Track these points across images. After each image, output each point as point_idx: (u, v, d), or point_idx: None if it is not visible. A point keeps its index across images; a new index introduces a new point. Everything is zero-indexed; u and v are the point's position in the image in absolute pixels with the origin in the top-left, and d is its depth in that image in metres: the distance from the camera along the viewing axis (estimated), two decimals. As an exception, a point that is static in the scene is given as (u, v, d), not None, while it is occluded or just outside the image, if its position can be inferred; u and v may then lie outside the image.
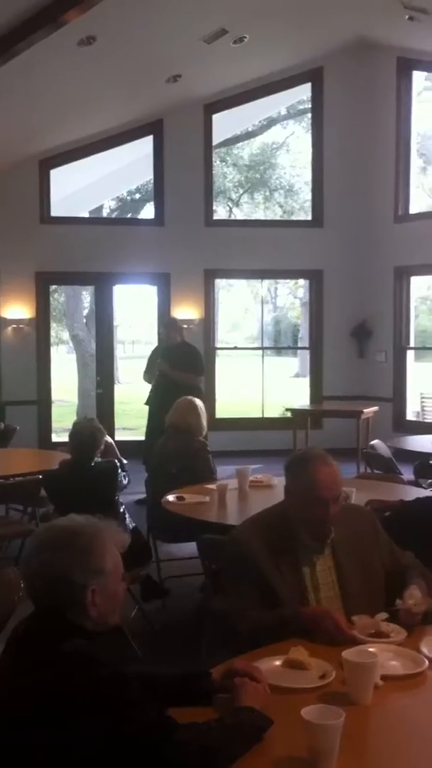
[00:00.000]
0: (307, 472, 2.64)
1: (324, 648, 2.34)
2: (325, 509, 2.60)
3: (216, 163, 15.45)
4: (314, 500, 2.59)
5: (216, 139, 12.33)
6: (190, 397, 5.64)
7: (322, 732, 1.77)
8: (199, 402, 5.56)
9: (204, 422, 5.50)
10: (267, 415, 12.44)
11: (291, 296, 28.22)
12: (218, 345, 13.50)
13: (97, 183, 13.83)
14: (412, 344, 11.65)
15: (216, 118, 11.48)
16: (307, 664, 2.23)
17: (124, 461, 5.38)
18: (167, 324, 8.88)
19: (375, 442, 7.05)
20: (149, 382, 8.32)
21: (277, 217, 20.94)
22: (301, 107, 17.30)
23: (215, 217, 12.53)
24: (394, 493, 4.54)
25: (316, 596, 2.63)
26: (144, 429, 8.49)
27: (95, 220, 15.16)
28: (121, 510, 4.72)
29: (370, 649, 2.25)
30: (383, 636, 2.41)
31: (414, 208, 11.48)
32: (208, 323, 11.41)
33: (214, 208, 12.23)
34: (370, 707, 2.05)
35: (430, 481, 6.27)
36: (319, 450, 2.77)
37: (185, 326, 9.62)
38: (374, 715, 2.04)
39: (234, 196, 22.72)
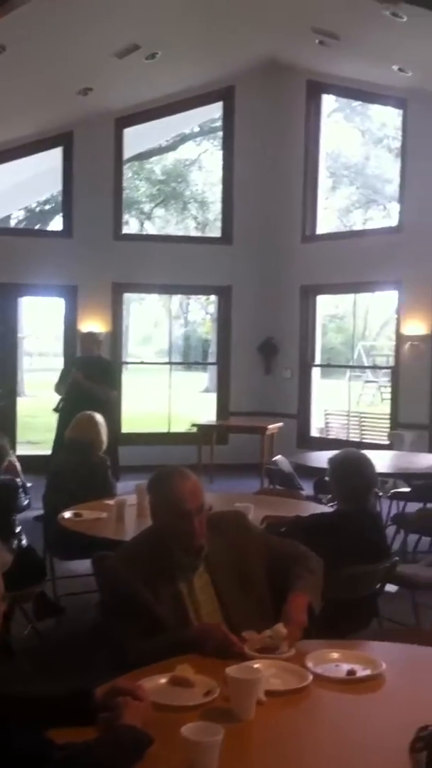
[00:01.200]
0: (168, 488, 2.67)
1: (211, 664, 2.34)
2: (191, 521, 2.62)
3: (128, 176, 15.43)
4: (179, 514, 2.61)
5: (128, 152, 12.32)
6: (89, 412, 5.59)
7: (200, 749, 1.77)
8: (99, 417, 5.52)
9: (104, 438, 5.46)
10: (174, 429, 12.44)
11: (203, 311, 28.39)
12: (128, 359, 13.45)
13: (3, 193, 13.61)
14: (317, 362, 11.86)
15: (128, 131, 11.47)
16: (193, 681, 2.23)
17: (28, 484, 5.27)
18: (84, 336, 8.88)
19: (277, 457, 7.14)
20: (60, 394, 8.23)
21: (191, 231, 21.05)
22: (213, 125, 17.49)
23: (125, 231, 12.50)
24: (292, 509, 4.60)
25: (197, 614, 2.63)
26: (50, 443, 8.40)
27: (1, 231, 14.89)
28: (17, 530, 4.62)
29: (255, 665, 2.27)
30: (271, 651, 2.43)
31: (323, 228, 11.72)
32: (115, 337, 11.35)
33: (125, 220, 12.20)
34: (252, 723, 2.06)
35: (329, 496, 6.39)
36: (176, 466, 2.79)
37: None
38: (257, 731, 2.05)
39: (146, 209, 22.76)
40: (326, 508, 4.92)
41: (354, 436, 12.58)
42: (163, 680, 2.25)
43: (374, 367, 22.03)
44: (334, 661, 2.40)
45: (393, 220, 11.50)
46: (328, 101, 12.22)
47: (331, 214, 21.99)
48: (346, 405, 13.97)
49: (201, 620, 2.60)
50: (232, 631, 2.47)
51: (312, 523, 3.70)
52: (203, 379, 24.69)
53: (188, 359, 28.57)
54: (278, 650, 2.42)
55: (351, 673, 2.32)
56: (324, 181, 11.97)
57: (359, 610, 3.73)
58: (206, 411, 13.24)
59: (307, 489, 6.57)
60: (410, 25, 7.39)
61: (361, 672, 2.32)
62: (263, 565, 2.75)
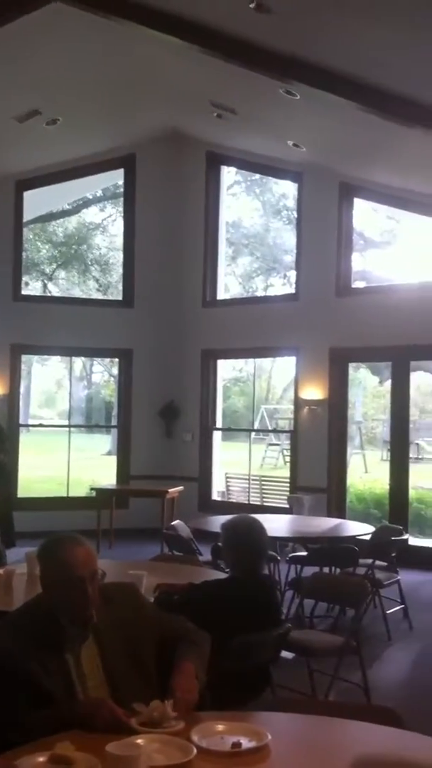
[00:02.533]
0: (59, 554, 2.60)
1: (92, 741, 2.26)
2: (83, 589, 2.55)
3: (29, 237, 15.36)
4: (70, 581, 2.54)
5: (30, 214, 12.30)
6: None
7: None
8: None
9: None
10: (74, 494, 12.22)
11: (106, 373, 28.26)
12: (29, 420, 13.21)
13: None
14: (219, 425, 11.93)
15: (28, 194, 11.48)
16: (73, 758, 2.14)
17: None
18: None
19: (175, 522, 7.09)
20: None
21: (93, 293, 21.08)
22: (117, 190, 17.70)
23: (25, 292, 12.40)
24: (187, 575, 4.55)
25: (83, 686, 2.54)
26: None
27: None
28: None
29: (138, 741, 2.21)
30: (159, 725, 2.37)
31: (225, 293, 11.92)
32: (12, 399, 11.15)
33: (26, 282, 12.12)
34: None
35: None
36: (69, 532, 2.74)
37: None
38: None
39: (48, 270, 22.71)
40: (222, 574, 4.89)
41: (255, 500, 12.62)
42: (41, 758, 2.16)
43: (275, 431, 22.28)
44: (220, 733, 2.36)
45: (292, 288, 11.82)
46: (229, 172, 12.56)
47: (234, 280, 22.44)
48: (248, 468, 14.05)
49: (87, 693, 2.52)
50: (118, 705, 2.40)
51: (204, 591, 3.66)
52: (106, 441, 24.45)
53: (91, 421, 28.28)
54: (167, 724, 2.36)
55: (236, 745, 2.28)
56: (225, 248, 12.23)
57: (252, 678, 3.69)
58: (109, 474, 13.09)
59: (207, 554, 6.53)
60: (303, 102, 7.71)
61: (246, 744, 2.28)
62: (153, 641, 2.70)
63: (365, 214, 17.15)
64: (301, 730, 2.58)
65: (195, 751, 2.22)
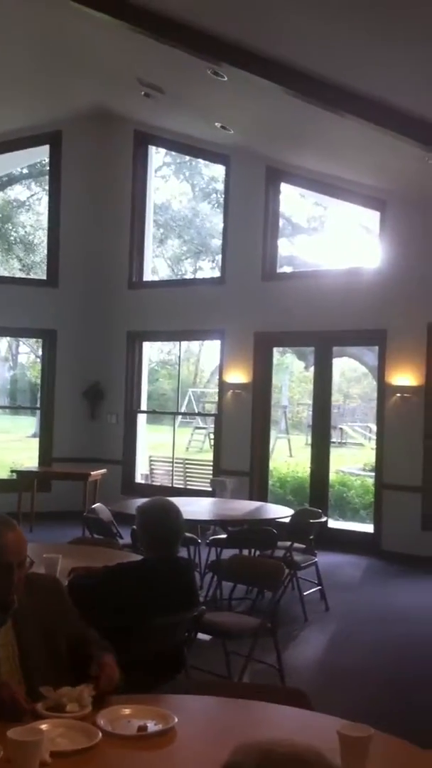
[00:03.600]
0: None
1: (-6, 727, 2.22)
2: (10, 575, 2.51)
3: None
4: None
5: None
6: None
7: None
8: None
9: None
10: (-5, 476, 12.04)
11: (32, 354, 27.83)
12: None
13: None
14: (143, 408, 11.87)
15: None
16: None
17: None
18: None
19: (96, 505, 7.02)
20: None
21: (16, 272, 20.68)
22: (43, 168, 17.37)
23: None
24: (105, 559, 4.51)
25: (-4, 670, 2.51)
26: None
27: None
28: None
29: (42, 726, 2.17)
30: (64, 709, 2.34)
31: (152, 276, 11.83)
32: None
33: None
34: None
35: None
36: (3, 515, 2.68)
37: None
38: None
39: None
40: (139, 557, 4.87)
41: (178, 483, 12.64)
42: None
43: (201, 414, 22.33)
44: (126, 717, 2.34)
45: (218, 272, 11.82)
46: (159, 153, 12.44)
47: (163, 263, 22.31)
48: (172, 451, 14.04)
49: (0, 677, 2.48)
50: (30, 692, 2.37)
51: (117, 573, 3.63)
52: (32, 424, 24.09)
53: (16, 403, 27.81)
54: (72, 708, 2.34)
55: (142, 729, 2.27)
56: (154, 230, 12.12)
57: (166, 661, 3.68)
58: (32, 457, 12.92)
59: (127, 537, 6.50)
60: (231, 84, 7.67)
61: (152, 727, 2.28)
62: (66, 637, 2.67)
63: (293, 200, 17.29)
64: (210, 713, 2.58)
65: (100, 735, 2.21)
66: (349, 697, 5.05)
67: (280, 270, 10.92)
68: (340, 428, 23.12)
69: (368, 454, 15.88)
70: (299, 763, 1.35)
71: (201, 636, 4.79)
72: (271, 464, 15.38)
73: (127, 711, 2.38)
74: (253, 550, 7.04)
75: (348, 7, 5.65)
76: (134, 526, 4.59)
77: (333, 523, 10.47)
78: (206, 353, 24.08)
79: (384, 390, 9.55)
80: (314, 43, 6.40)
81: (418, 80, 6.37)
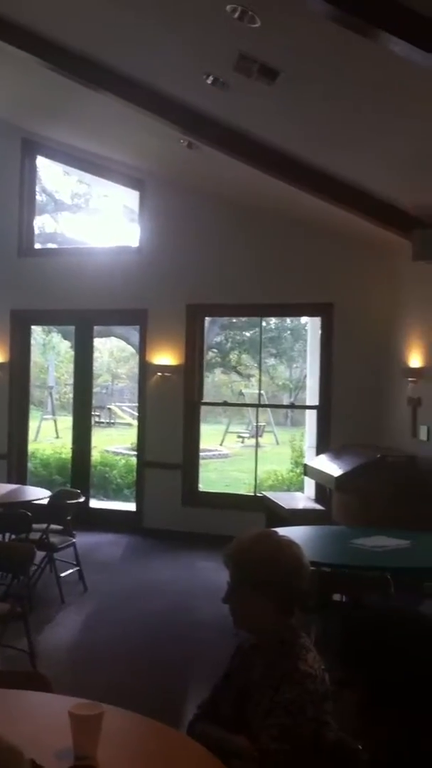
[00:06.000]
0: None
1: None
2: None
3: None
4: None
5: None
6: None
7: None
8: None
9: None
10: None
11: None
12: None
13: None
14: None
15: None
16: None
17: None
18: None
19: None
20: None
21: None
22: None
23: None
24: None
25: None
26: None
27: None
28: None
29: None
30: None
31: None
32: None
33: None
34: None
35: None
36: None
37: None
38: None
39: None
40: None
41: None
42: None
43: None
44: None
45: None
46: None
47: None
48: None
49: None
50: None
51: None
52: None
53: None
54: None
55: None
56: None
57: None
58: None
59: None
60: None
61: None
62: None
63: (57, 177, 16.94)
64: None
65: None
66: (97, 677, 5.04)
67: (39, 246, 10.64)
68: (109, 408, 23.15)
69: (135, 434, 16.00)
70: None
71: None
72: (35, 446, 15.11)
73: None
74: (8, 534, 6.85)
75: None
76: None
77: (95, 503, 10.45)
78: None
79: (145, 369, 9.61)
80: (70, 17, 6.22)
81: (179, 63, 6.35)
